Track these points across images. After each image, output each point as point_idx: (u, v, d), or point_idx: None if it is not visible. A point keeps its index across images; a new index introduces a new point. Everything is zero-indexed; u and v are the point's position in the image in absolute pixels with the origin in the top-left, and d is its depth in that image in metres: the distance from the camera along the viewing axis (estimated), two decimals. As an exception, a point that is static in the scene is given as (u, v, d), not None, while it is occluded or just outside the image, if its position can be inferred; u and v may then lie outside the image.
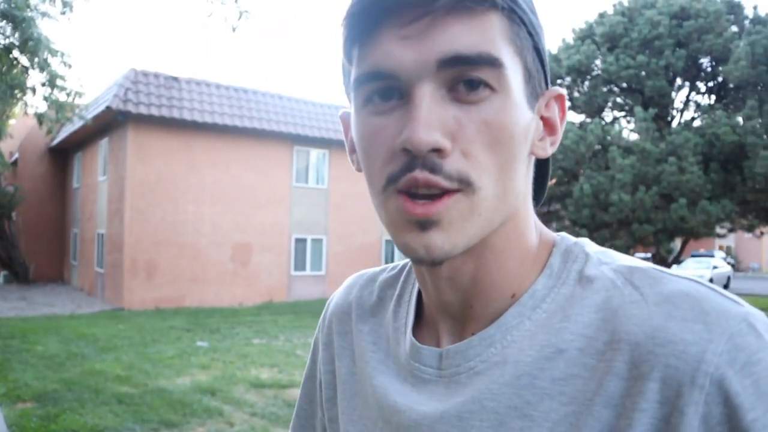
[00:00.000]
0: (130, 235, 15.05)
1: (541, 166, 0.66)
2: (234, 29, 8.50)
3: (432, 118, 0.50)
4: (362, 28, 0.52)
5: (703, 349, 0.48)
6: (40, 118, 10.24)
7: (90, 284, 18.07)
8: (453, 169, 0.51)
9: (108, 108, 14.27)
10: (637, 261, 0.57)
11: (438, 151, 0.50)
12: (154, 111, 14.84)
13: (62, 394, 6.44)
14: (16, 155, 21.59)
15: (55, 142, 20.35)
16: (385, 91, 0.53)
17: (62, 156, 21.96)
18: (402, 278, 0.74)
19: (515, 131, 0.53)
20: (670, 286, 0.52)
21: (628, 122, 17.97)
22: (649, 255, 22.98)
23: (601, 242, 16.58)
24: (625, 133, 17.03)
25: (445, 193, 0.51)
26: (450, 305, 0.61)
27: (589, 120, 17.36)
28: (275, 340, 10.66)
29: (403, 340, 0.66)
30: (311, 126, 17.68)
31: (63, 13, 10.41)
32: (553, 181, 17.86)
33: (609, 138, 16.09)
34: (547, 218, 19.14)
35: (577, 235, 16.42)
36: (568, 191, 17.10)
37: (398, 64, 0.51)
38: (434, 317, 0.65)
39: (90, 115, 15.50)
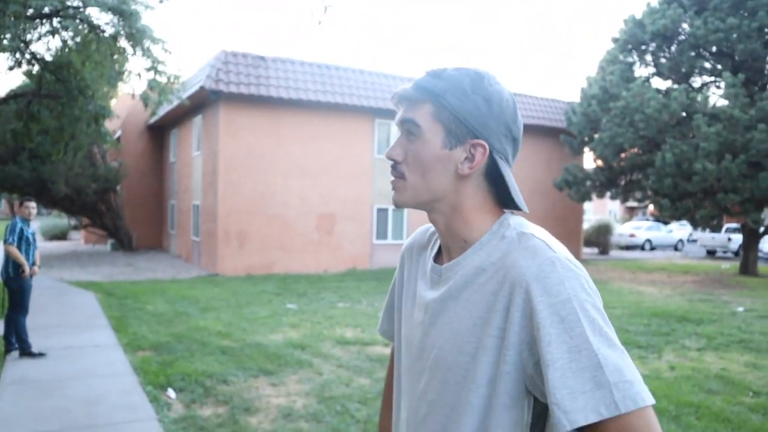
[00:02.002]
0: (224, 206, 16.14)
1: (498, 183, 1.14)
2: (320, 23, 9.13)
3: (396, 146, 1.15)
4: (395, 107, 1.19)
5: (527, 271, 1.00)
6: (145, 100, 11.21)
7: (187, 252, 19.49)
8: (400, 169, 1.15)
9: (202, 88, 15.27)
10: (533, 228, 1.08)
11: (395, 161, 1.14)
12: (243, 89, 15.74)
13: (174, 345, 7.35)
14: (119, 133, 23.28)
15: (153, 120, 21.81)
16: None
17: (160, 133, 23.52)
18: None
19: (426, 157, 1.11)
20: (530, 242, 1.04)
21: (718, 88, 17.32)
22: (737, 226, 22.14)
23: (684, 212, 16.28)
24: (712, 100, 16.47)
25: (398, 177, 1.15)
26: (444, 244, 1.20)
27: (675, 87, 16.87)
28: (358, 304, 11.34)
29: (430, 262, 1.25)
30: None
31: (161, 1, 11.33)
32: (634, 150, 17.57)
33: (696, 105, 15.64)
34: (628, 187, 18.87)
35: (659, 204, 16.13)
36: (649, 160, 16.79)
37: (395, 121, 1.18)
38: (443, 250, 1.22)
39: (185, 95, 16.62)
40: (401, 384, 1.27)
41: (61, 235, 27.90)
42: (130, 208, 23.08)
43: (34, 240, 6.98)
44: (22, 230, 6.76)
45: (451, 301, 1.11)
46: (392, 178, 1.16)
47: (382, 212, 18.50)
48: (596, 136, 17.84)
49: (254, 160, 16.45)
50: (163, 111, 20.13)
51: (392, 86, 18.48)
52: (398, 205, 1.16)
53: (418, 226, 18.81)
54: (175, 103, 16.29)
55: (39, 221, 30.85)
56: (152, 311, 9.77)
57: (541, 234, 1.07)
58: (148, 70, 10.80)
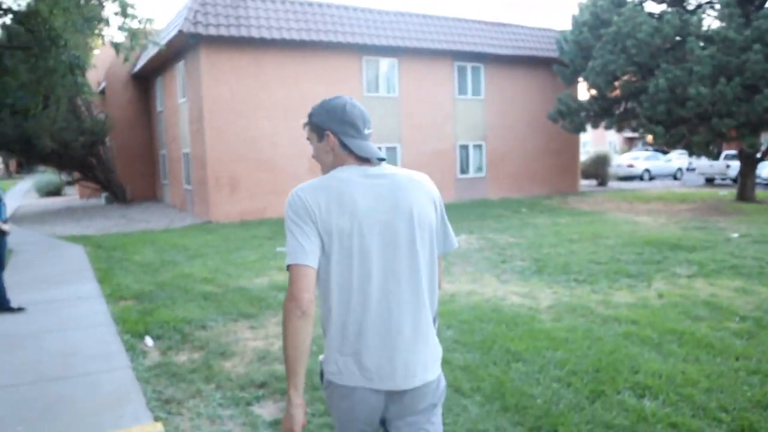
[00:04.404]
0: (212, 152, 15.89)
1: (348, 147, 1.96)
2: None
3: (312, 148, 2.04)
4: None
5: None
6: (116, 46, 10.84)
7: (180, 201, 19.37)
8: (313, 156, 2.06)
9: (180, 32, 14.78)
10: (330, 175, 1.93)
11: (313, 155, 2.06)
12: (224, 31, 15.24)
13: (156, 293, 7.29)
14: (103, 84, 22.78)
15: (137, 68, 21.30)
16: None
17: (145, 82, 23.00)
18: None
19: (315, 149, 2.01)
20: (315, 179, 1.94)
21: (712, 8, 16.73)
22: (735, 152, 21.84)
23: (679, 139, 16.00)
24: (706, 23, 15.92)
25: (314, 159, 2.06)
26: None
27: (669, 10, 16.29)
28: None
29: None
30: (379, 35, 17.60)
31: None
32: (627, 77, 17.13)
33: (689, 28, 15.13)
34: (623, 116, 18.51)
35: (653, 132, 15.87)
36: (643, 87, 16.37)
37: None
38: None
39: (164, 40, 16.13)
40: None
41: (55, 191, 27.75)
42: (122, 160, 22.82)
43: (2, 195, 6.82)
44: None
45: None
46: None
47: (373, 153, 18.24)
48: (589, 64, 17.37)
49: (239, 104, 16.11)
50: (144, 59, 19.64)
51: (379, 21, 17.93)
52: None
53: (411, 163, 18.43)
54: (152, 49, 15.81)
55: (33, 178, 30.66)
56: (139, 261, 9.70)
57: (318, 179, 1.96)
58: (117, 14, 10.40)
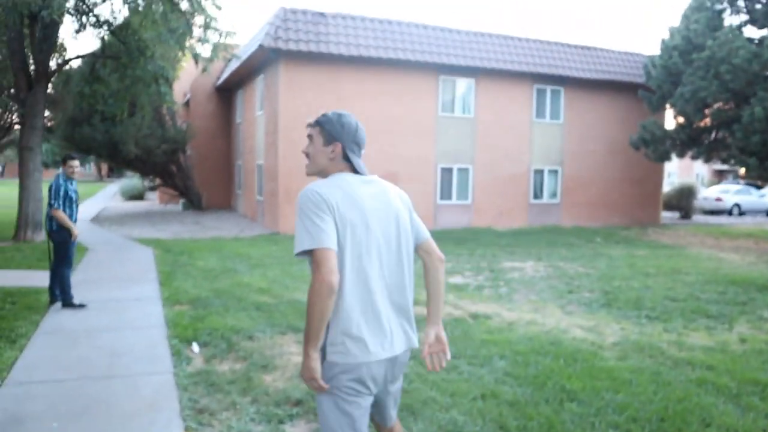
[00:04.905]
0: (284, 165, 16.10)
1: (351, 161, 2.32)
2: None
3: (307, 146, 2.35)
4: None
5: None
6: (195, 57, 11.15)
7: (252, 211, 19.73)
8: (307, 154, 2.35)
9: (261, 46, 15.11)
10: (341, 177, 2.25)
11: (307, 153, 2.35)
12: (303, 47, 15.48)
13: (211, 300, 7.30)
14: (188, 96, 23.67)
15: (220, 81, 22.01)
16: None
17: (227, 94, 23.75)
18: None
19: (313, 151, 2.32)
20: (321, 181, 2.26)
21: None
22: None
23: (774, 172, 14.88)
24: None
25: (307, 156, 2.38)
26: None
27: (769, 34, 15.31)
28: (413, 264, 11.04)
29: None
30: (456, 54, 17.44)
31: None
32: (719, 104, 16.17)
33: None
34: (712, 146, 17.48)
35: (745, 164, 14.91)
36: (736, 115, 15.39)
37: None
38: None
39: (246, 54, 16.55)
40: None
41: (138, 196, 29.02)
42: (200, 168, 23.57)
43: (77, 198, 7.03)
44: (66, 190, 6.80)
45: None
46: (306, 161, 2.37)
47: (446, 172, 18.02)
48: (677, 90, 16.51)
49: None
50: (227, 72, 20.24)
51: (458, 41, 17.77)
52: (308, 174, 2.38)
53: (483, 186, 18.04)
54: (235, 62, 16.26)
55: (120, 183, 32.14)
56: (202, 267, 9.82)
57: (328, 180, 2.26)
58: (200, 27, 10.72)
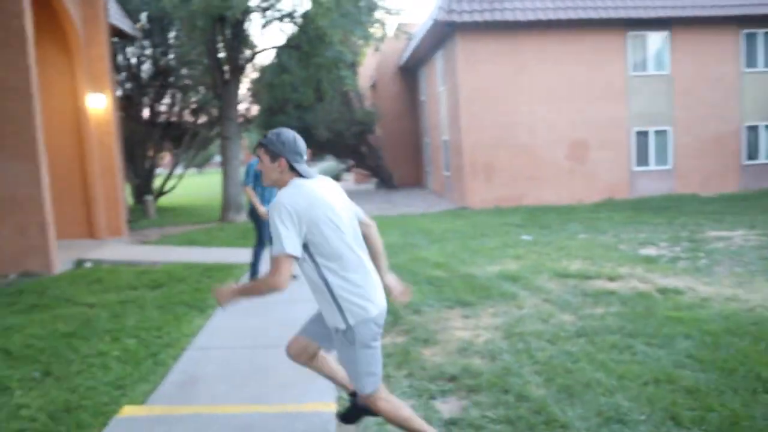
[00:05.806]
0: (468, 139, 15.96)
1: (296, 170, 2.79)
2: None
3: (258, 164, 2.84)
4: None
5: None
6: (366, 38, 11.44)
7: (440, 187, 19.91)
8: (260, 171, 2.84)
9: (435, 21, 15.05)
10: (296, 184, 2.71)
11: (259, 170, 2.83)
12: (477, 17, 15.11)
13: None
14: (374, 79, 24.47)
15: (403, 61, 22.40)
16: None
17: (410, 73, 24.10)
18: None
19: (264, 168, 2.79)
20: (284, 189, 2.72)
21: None
22: None
23: None
24: None
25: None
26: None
27: None
28: (602, 235, 10.35)
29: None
30: (646, 6, 15.83)
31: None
32: None
33: None
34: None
35: None
36: None
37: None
38: None
39: (422, 31, 16.63)
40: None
41: (335, 177, 30.82)
42: (390, 148, 24.32)
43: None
44: (257, 172, 7.36)
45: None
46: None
47: (641, 135, 16.58)
48: None
49: (496, 90, 15.88)
50: (409, 51, 20.52)
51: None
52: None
53: (684, 148, 16.25)
54: (413, 41, 16.38)
55: (319, 165, 34.42)
56: (383, 243, 10.09)
57: (288, 189, 2.70)
58: (369, 9, 10.96)
